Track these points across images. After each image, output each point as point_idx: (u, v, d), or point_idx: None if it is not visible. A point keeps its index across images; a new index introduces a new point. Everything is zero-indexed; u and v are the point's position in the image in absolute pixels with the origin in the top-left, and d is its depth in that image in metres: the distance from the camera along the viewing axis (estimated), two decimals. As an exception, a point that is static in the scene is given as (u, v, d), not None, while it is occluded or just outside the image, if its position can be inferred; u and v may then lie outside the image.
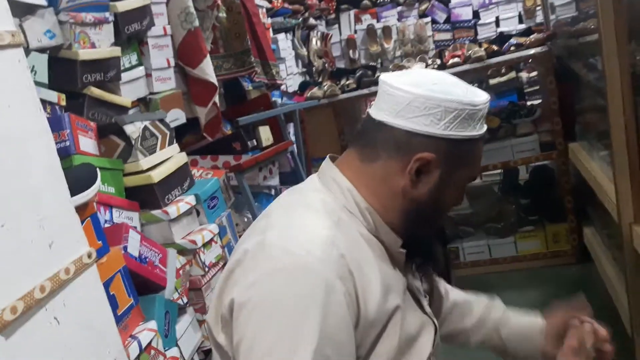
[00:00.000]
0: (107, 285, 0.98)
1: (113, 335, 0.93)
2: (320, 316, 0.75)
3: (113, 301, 1.00)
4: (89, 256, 0.86)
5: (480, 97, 0.87)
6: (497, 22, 4.35)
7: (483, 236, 3.23)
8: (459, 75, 3.02)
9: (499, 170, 3.34)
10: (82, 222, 0.94)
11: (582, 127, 2.65)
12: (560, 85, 2.76)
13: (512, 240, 3.14)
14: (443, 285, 1.19)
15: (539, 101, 3.85)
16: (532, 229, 3.13)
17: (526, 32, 3.22)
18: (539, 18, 4.25)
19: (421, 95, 0.83)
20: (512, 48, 2.79)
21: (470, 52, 2.83)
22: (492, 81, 4.35)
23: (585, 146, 2.56)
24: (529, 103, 4.03)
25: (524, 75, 4.29)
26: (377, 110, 0.89)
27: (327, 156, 0.97)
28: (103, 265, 0.98)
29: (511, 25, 4.26)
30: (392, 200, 0.89)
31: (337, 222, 0.86)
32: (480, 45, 3.11)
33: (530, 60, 3.42)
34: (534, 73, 4.15)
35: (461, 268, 3.13)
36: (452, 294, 1.18)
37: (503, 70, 4.11)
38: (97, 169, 1.09)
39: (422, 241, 0.95)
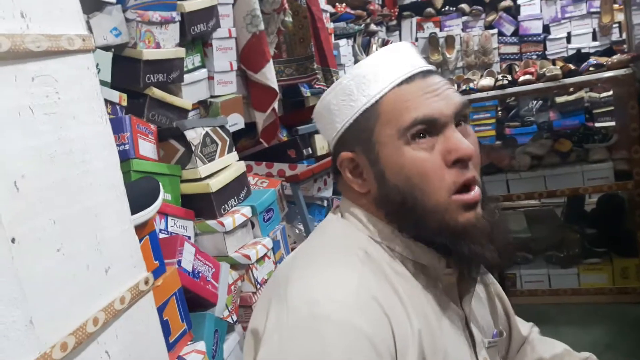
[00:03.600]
0: (161, 310, 0.90)
1: (164, 366, 0.85)
2: None
3: (166, 327, 0.93)
4: (146, 282, 0.79)
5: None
6: (568, 38, 4.15)
7: (543, 264, 3.04)
8: (528, 92, 2.88)
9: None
10: (141, 240, 0.88)
11: (663, 157, 2.45)
12: (641, 110, 2.56)
13: (575, 272, 2.93)
14: (529, 330, 1.06)
15: (610, 124, 3.62)
16: (598, 261, 2.91)
17: (607, 52, 3.02)
18: (614, 36, 4.02)
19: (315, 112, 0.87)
20: (590, 68, 2.61)
21: (544, 69, 2.66)
22: (559, 99, 4.14)
23: (666, 178, 2.36)
24: (597, 125, 3.80)
25: (594, 94, 4.05)
26: None
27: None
28: (158, 288, 0.90)
29: (584, 42, 4.06)
30: (375, 212, 0.81)
31: (364, 259, 0.76)
32: (553, 63, 2.93)
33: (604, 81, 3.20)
34: (606, 93, 3.92)
35: (517, 296, 2.95)
36: (540, 346, 1.04)
37: (571, 89, 3.89)
38: (160, 184, 1.02)
39: (444, 238, 0.77)
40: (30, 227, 0.61)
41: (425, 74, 0.79)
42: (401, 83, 0.77)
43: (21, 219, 0.60)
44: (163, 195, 0.99)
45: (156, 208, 0.92)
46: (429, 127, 0.75)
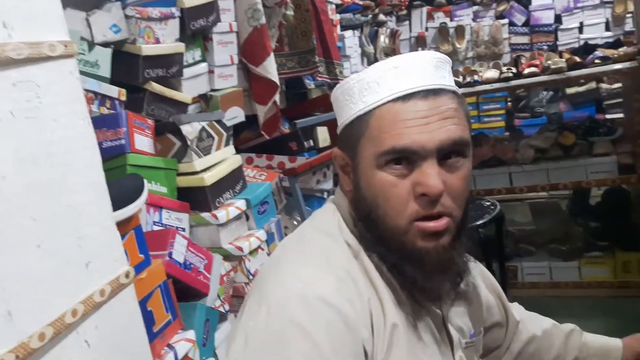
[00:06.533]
0: (144, 301, 0.95)
1: (145, 356, 0.90)
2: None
3: (150, 318, 0.98)
4: (127, 275, 0.83)
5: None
6: (580, 29, 4.09)
7: (545, 257, 3.05)
8: (535, 84, 2.87)
9: (567, 188, 3.12)
10: (125, 235, 0.92)
11: (668, 152, 2.43)
12: (647, 104, 2.54)
13: (577, 265, 2.94)
14: (519, 312, 1.10)
15: (620, 115, 3.58)
16: (601, 254, 2.92)
17: (614, 44, 2.98)
18: (628, 26, 3.96)
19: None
20: (596, 61, 2.58)
21: (549, 62, 2.65)
22: (569, 90, 4.10)
23: (670, 173, 2.34)
24: (608, 116, 3.76)
25: (604, 86, 4.00)
26: None
27: None
28: (142, 280, 0.95)
29: (596, 32, 4.00)
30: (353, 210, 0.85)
31: (345, 250, 0.81)
32: (560, 55, 2.90)
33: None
34: (617, 85, 3.87)
35: (518, 288, 2.97)
36: (531, 324, 1.09)
37: (582, 80, 3.85)
38: (144, 181, 1.06)
39: (396, 257, 0.79)
40: (8, 224, 0.65)
41: (426, 94, 0.75)
42: (397, 99, 0.76)
43: (0, 216, 0.64)
44: (147, 192, 1.03)
45: (139, 205, 0.96)
46: (407, 156, 0.75)
